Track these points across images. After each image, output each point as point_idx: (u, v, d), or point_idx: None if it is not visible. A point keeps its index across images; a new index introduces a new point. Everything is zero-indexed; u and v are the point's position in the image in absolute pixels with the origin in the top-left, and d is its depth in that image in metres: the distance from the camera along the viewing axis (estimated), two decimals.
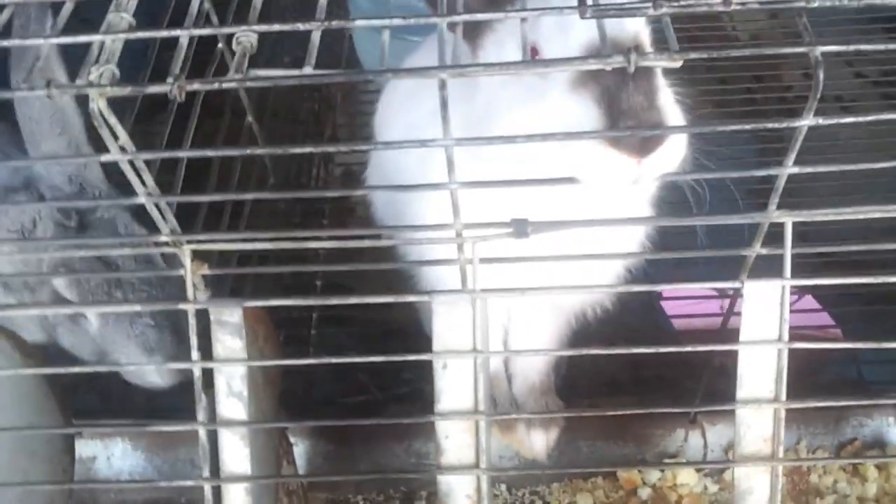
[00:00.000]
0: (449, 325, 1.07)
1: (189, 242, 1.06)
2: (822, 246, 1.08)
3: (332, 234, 1.05)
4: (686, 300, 1.83)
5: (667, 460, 1.56)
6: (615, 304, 1.37)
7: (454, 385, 1.09)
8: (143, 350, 1.33)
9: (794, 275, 1.06)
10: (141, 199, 1.00)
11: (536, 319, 1.39)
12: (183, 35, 0.92)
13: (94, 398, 1.67)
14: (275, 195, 1.54)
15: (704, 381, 1.37)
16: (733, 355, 1.44)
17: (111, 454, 1.62)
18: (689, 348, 1.08)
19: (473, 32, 1.16)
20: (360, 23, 0.91)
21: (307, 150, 1.05)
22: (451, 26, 0.93)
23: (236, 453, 1.12)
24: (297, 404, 1.56)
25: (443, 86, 0.87)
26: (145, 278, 1.29)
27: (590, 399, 1.63)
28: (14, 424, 1.30)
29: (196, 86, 0.88)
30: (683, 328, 1.83)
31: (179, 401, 1.54)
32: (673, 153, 1.02)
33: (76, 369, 1.30)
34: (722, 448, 1.57)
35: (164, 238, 1.06)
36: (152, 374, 1.36)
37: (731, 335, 1.11)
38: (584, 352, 1.07)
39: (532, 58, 1.10)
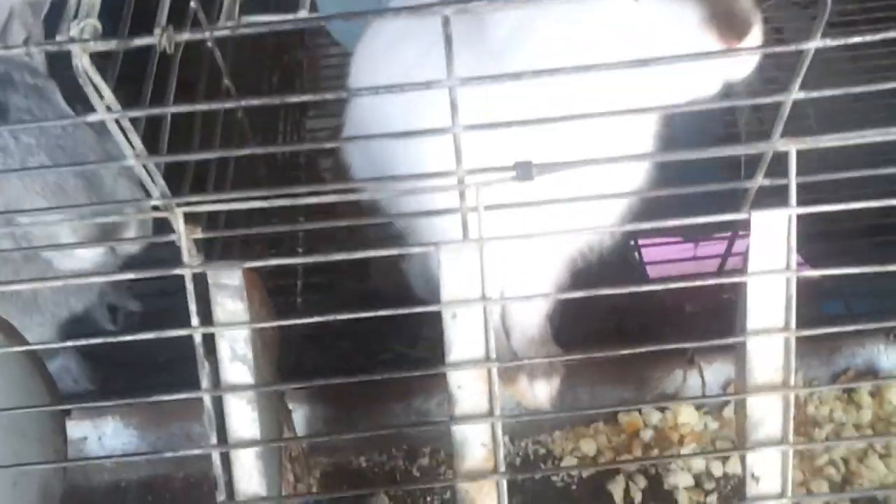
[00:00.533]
0: (456, 274, 1.05)
1: (181, 205, 1.02)
2: (825, 174, 1.07)
3: (331, 188, 1.01)
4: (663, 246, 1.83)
5: (667, 402, 1.57)
6: (597, 255, 1.37)
7: (464, 334, 1.07)
8: (46, 200, 1.17)
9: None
10: (130, 162, 0.96)
11: (533, 268, 1.38)
12: None
13: None
14: (269, 149, 1.49)
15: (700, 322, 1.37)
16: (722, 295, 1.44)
17: (102, 433, 1.58)
18: (702, 282, 1.08)
19: None
20: None
21: (305, 98, 1.00)
22: None
23: (244, 418, 1.09)
24: (288, 372, 1.53)
25: (446, 22, 0.83)
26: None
27: (583, 348, 1.62)
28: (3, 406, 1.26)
29: (186, 36, 0.84)
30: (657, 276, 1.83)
31: (163, 376, 1.52)
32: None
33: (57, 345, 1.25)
34: (720, 386, 1.58)
35: (154, 202, 1.01)
36: (65, 235, 1.17)
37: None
38: (596, 292, 1.06)
39: None
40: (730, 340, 1.11)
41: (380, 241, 1.52)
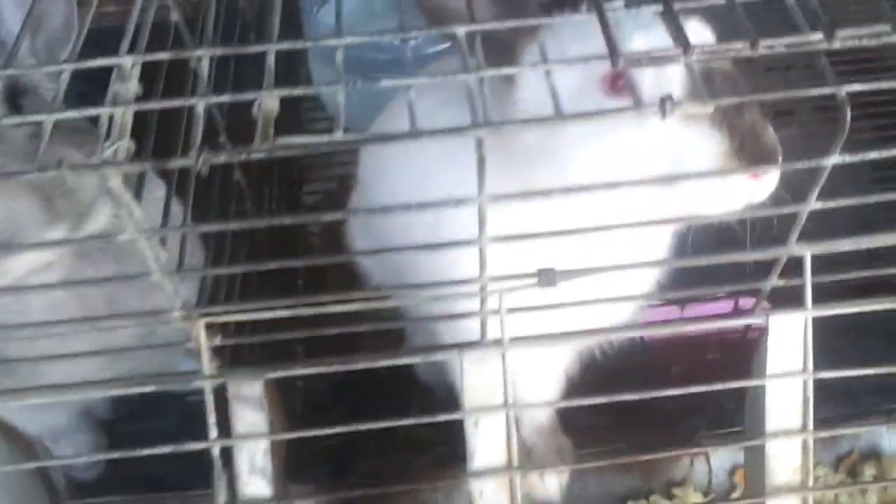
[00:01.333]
0: (479, 381, 1.05)
1: (203, 315, 1.02)
2: (838, 274, 1.10)
3: (357, 296, 1.01)
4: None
5: (675, 488, 1.57)
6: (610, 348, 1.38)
7: (487, 442, 1.06)
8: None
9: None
10: (156, 276, 0.95)
11: (546, 361, 1.38)
12: (199, 103, 0.87)
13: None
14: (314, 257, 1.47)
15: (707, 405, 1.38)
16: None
17: None
18: (717, 386, 1.08)
19: (504, 55, 1.12)
20: (385, 82, 0.87)
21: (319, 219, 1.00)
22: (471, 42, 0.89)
23: None
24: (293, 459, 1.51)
25: (480, 145, 0.84)
26: None
27: (592, 430, 1.62)
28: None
29: (222, 158, 0.84)
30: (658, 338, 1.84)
31: (179, 478, 1.48)
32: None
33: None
34: (726, 472, 1.58)
35: (176, 314, 1.00)
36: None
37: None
38: (619, 398, 1.06)
39: (615, 83, 1.05)
40: (753, 443, 1.11)
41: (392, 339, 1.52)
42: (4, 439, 1.24)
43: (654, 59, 0.87)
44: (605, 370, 1.50)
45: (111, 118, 0.87)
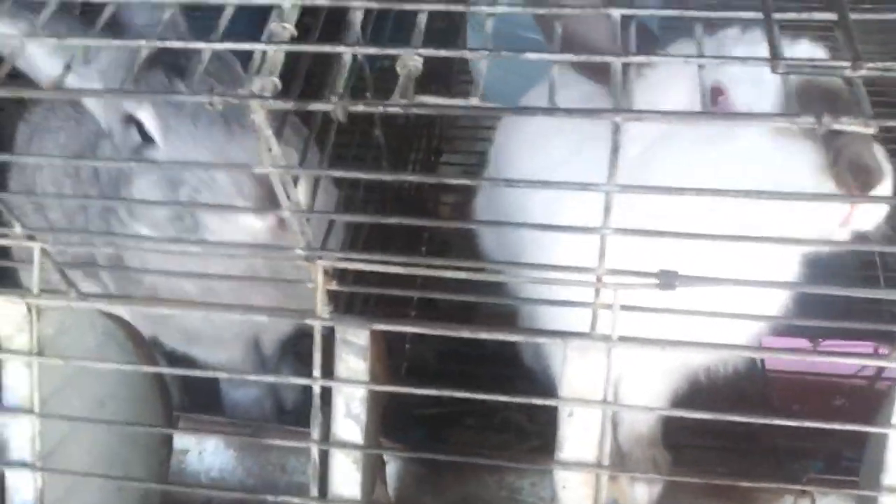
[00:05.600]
0: (580, 372, 1.03)
1: (322, 259, 1.05)
2: None
3: (466, 265, 1.01)
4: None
5: None
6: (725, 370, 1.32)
7: (578, 435, 1.05)
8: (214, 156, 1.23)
9: None
10: (285, 213, 0.99)
11: (652, 368, 1.34)
12: (346, 52, 0.90)
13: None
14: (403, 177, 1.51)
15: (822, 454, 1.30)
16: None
17: (203, 449, 1.62)
18: (834, 426, 1.02)
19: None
20: (530, 55, 0.86)
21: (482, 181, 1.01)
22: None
23: (347, 476, 1.09)
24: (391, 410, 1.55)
25: (616, 129, 0.83)
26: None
27: (695, 450, 1.56)
28: (121, 413, 1.31)
29: (360, 107, 0.86)
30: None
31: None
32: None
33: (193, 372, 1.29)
34: None
35: (299, 252, 1.04)
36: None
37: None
38: (725, 417, 1.01)
39: (715, 98, 1.06)
40: (867, 493, 1.04)
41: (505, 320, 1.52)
42: (132, 342, 1.33)
43: (817, 69, 0.82)
44: (719, 394, 1.44)
45: (264, 56, 0.91)
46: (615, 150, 0.83)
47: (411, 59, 0.87)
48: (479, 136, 2.19)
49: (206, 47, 0.93)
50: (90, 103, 1.39)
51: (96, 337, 1.27)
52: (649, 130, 1.14)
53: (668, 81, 1.06)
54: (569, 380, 1.03)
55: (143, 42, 0.93)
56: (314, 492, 1.10)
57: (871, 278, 1.12)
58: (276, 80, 0.88)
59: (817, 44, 1.05)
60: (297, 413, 1.82)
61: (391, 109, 0.86)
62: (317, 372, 1.07)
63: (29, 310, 1.14)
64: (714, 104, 1.08)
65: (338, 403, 1.08)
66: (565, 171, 1.26)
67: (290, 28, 0.93)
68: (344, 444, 1.08)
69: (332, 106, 0.86)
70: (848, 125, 0.81)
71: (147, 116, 1.31)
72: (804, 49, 1.05)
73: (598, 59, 0.86)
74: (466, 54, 0.91)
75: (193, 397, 1.86)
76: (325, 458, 1.12)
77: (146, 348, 1.35)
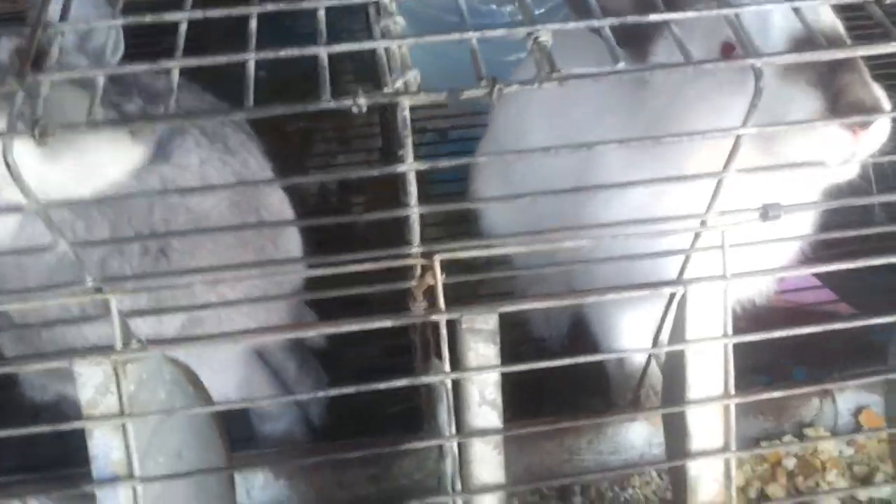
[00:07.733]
0: (702, 314, 1.08)
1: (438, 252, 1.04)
2: None
3: (569, 237, 1.04)
4: None
5: (806, 429, 1.62)
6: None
7: (706, 372, 1.10)
8: None
9: None
10: (406, 212, 0.97)
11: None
12: (475, 37, 0.89)
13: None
14: None
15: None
16: None
17: (251, 486, 1.54)
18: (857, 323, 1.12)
19: (638, 39, 1.22)
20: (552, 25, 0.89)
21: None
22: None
23: (490, 462, 1.09)
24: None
25: (760, 75, 0.88)
26: None
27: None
28: (195, 462, 1.24)
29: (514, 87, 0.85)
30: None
31: None
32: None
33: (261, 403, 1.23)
34: (850, 412, 1.64)
35: (415, 250, 1.02)
36: None
37: None
38: (776, 334, 1.10)
39: (728, 54, 1.15)
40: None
41: None
42: (192, 386, 1.25)
43: None
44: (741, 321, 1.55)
45: (387, 52, 0.89)
46: (758, 94, 0.88)
47: (544, 35, 0.87)
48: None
49: (322, 52, 0.88)
50: None
51: (165, 386, 1.18)
52: (673, 82, 1.22)
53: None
54: (693, 323, 1.09)
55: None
56: (458, 486, 1.09)
57: None
58: (417, 73, 0.86)
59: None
60: (324, 427, 1.76)
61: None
62: (447, 366, 1.06)
63: (114, 369, 1.05)
64: (726, 53, 1.17)
65: (471, 393, 1.07)
66: (588, 131, 1.34)
67: (400, 20, 0.91)
68: (484, 432, 1.08)
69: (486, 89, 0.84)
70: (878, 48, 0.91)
71: None
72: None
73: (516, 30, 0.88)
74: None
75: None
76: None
77: (204, 389, 1.27)
